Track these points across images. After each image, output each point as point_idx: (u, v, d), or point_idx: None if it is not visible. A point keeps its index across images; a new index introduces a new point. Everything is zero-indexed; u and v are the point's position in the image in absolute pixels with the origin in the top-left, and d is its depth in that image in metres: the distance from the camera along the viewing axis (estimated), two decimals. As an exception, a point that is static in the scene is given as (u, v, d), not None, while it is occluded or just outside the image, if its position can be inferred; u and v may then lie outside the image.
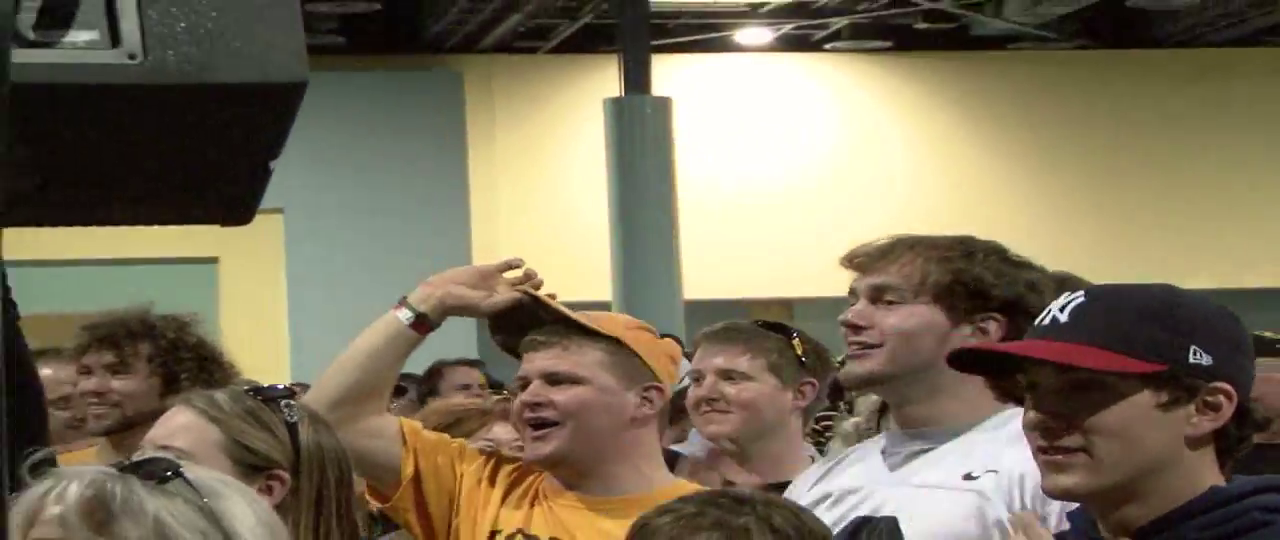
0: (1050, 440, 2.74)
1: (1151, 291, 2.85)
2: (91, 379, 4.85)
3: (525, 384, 3.89)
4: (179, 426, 3.21)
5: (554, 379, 3.84)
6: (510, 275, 3.96)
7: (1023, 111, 20.76)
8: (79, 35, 1.90)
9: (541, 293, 3.95)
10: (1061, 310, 2.77)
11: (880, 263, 3.62)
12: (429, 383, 8.80)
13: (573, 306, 3.92)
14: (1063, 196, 20.81)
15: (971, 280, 3.57)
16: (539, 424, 3.84)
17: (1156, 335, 2.72)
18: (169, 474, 2.51)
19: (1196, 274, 20.79)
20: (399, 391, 7.72)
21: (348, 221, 18.83)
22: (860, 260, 3.66)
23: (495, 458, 4.05)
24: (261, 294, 18.83)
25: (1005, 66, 20.85)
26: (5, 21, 1.83)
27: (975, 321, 3.56)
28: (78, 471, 2.54)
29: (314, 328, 17.80)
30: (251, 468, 3.11)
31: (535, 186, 19.72)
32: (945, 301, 3.56)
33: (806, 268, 19.34)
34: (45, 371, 6.09)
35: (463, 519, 3.92)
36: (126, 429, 4.71)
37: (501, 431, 4.47)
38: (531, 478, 3.97)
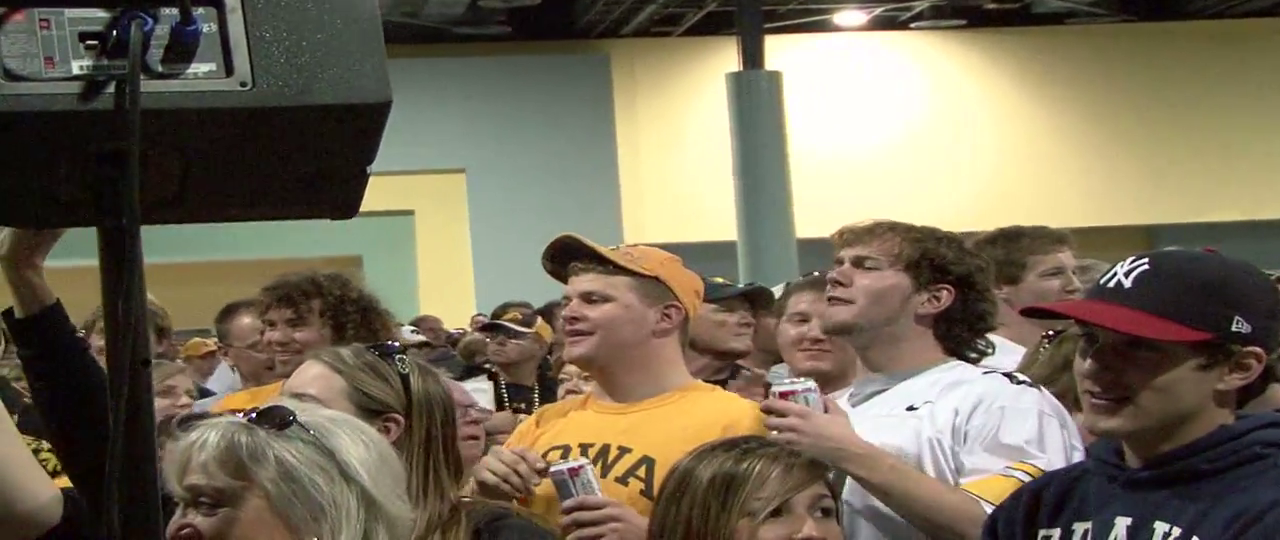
0: (1102, 388, 2.69)
1: (1207, 263, 2.76)
2: (275, 331, 4.85)
3: (569, 301, 3.99)
4: (310, 377, 3.20)
5: (589, 297, 3.92)
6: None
7: (1077, 77, 20.50)
8: (199, 67, 1.87)
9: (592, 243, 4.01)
10: (1126, 275, 2.70)
11: (865, 237, 3.75)
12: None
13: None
14: (1111, 148, 20.56)
15: (936, 256, 3.71)
16: (575, 333, 3.93)
17: (1207, 305, 2.65)
18: (289, 420, 2.54)
19: (1226, 208, 20.52)
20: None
21: (519, 179, 18.90)
22: (849, 235, 3.79)
23: (541, 413, 4.16)
24: (449, 240, 18.93)
25: (1062, 39, 20.59)
26: (134, 59, 1.83)
27: (931, 290, 3.70)
28: (215, 423, 2.56)
29: (493, 268, 17.90)
30: (370, 412, 3.09)
31: (671, 148, 19.69)
32: (912, 271, 3.70)
33: (901, 212, 19.23)
34: (243, 320, 6.17)
35: None
36: None
37: None
38: (575, 404, 4.07)
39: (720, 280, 5.63)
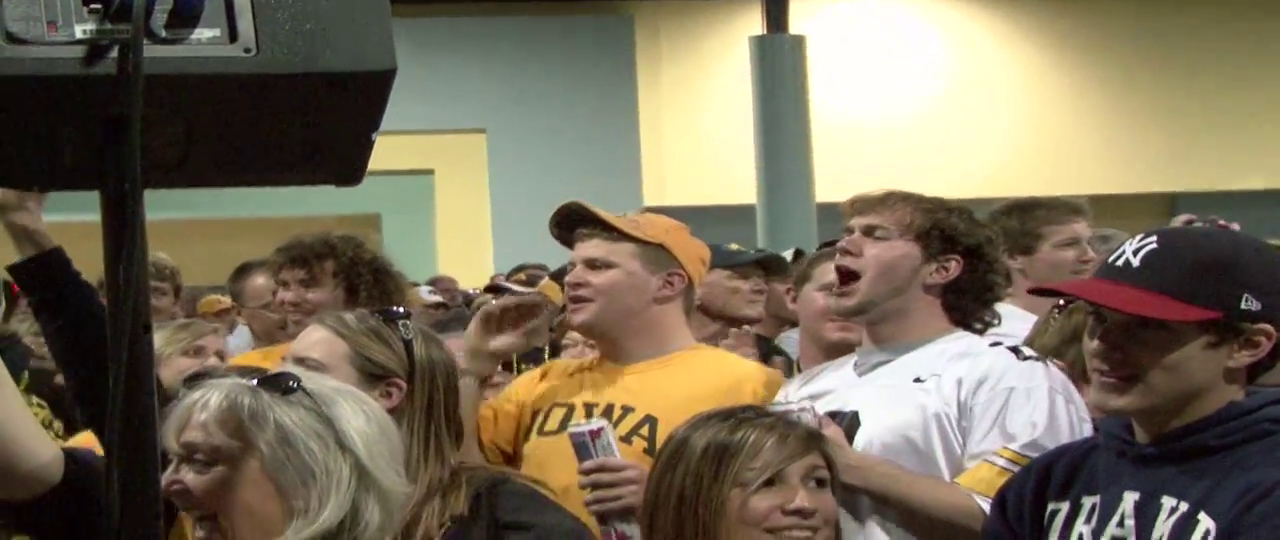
0: (1112, 366, 2.69)
1: (1215, 240, 2.76)
2: (289, 291, 4.86)
3: (574, 267, 4.02)
4: (315, 341, 3.22)
5: (593, 264, 3.95)
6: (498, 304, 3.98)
7: (1101, 44, 20.40)
8: (203, 32, 1.87)
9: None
10: (1135, 253, 2.70)
11: (877, 206, 3.75)
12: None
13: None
14: (1134, 116, 20.47)
15: (947, 227, 3.71)
16: (577, 299, 3.96)
17: (1216, 284, 2.65)
18: (293, 386, 2.55)
19: (1250, 176, 20.44)
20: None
21: (539, 140, 18.85)
22: (859, 204, 3.78)
23: (548, 367, 4.20)
24: (469, 200, 18.91)
25: (1086, 5, 20.46)
26: (138, 23, 1.82)
27: (940, 260, 3.70)
28: (220, 384, 2.58)
29: (512, 229, 17.90)
30: (373, 376, 3.10)
31: (693, 111, 19.64)
32: (923, 241, 3.70)
33: (919, 176, 19.23)
34: (257, 280, 6.17)
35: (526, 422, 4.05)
36: None
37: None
38: (582, 363, 4.10)
39: (734, 247, 5.65)
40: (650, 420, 3.81)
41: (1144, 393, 2.67)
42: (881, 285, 3.67)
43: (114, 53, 1.83)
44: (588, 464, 3.61)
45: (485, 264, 16.98)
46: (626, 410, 3.85)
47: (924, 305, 3.69)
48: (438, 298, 9.93)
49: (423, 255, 17.61)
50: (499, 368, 4.40)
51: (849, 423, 3.60)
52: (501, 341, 3.91)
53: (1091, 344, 2.73)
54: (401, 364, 3.15)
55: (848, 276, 3.72)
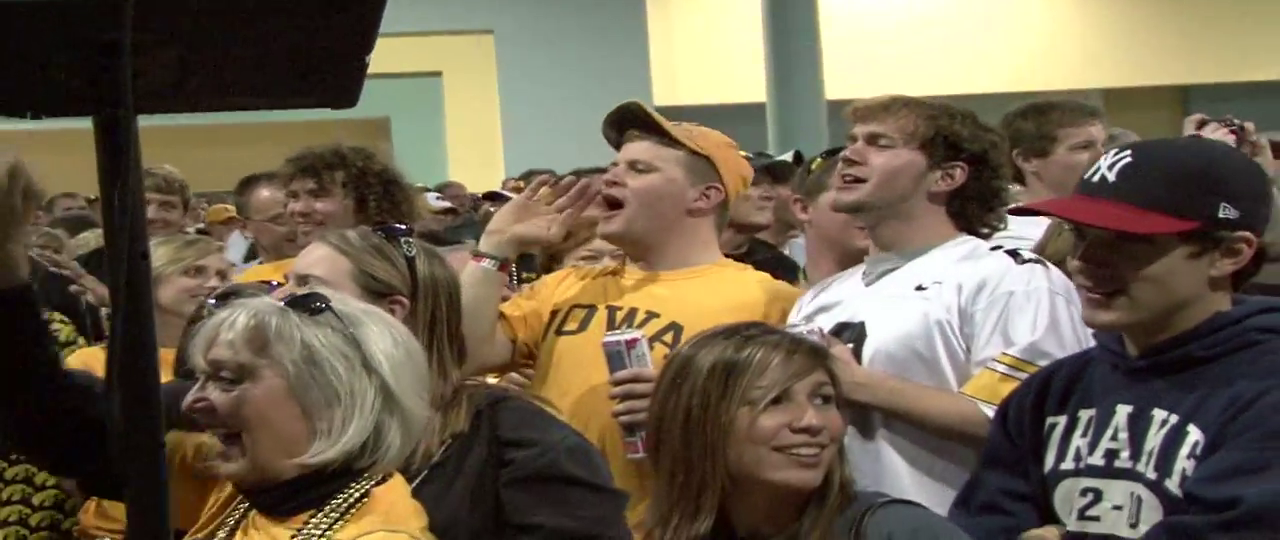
0: (1095, 282, 2.71)
1: (1189, 151, 2.79)
2: (298, 202, 4.85)
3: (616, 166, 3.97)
4: (317, 258, 3.20)
5: (635, 165, 3.91)
6: (542, 193, 3.94)
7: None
8: (194, -45, 1.86)
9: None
10: (1110, 168, 2.71)
11: (880, 114, 3.71)
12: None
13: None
14: (1144, 7, 20.36)
15: (951, 134, 3.67)
16: (612, 202, 3.91)
17: (1192, 194, 2.66)
18: (321, 307, 2.55)
19: (1262, 67, 20.35)
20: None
21: (548, 41, 18.76)
22: (862, 111, 3.73)
23: (571, 269, 4.15)
24: (478, 103, 18.86)
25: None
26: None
27: (945, 168, 3.67)
28: (248, 303, 2.59)
29: (522, 130, 17.86)
30: (376, 294, 3.09)
31: (701, 9, 19.55)
32: (927, 149, 3.67)
33: (929, 73, 19.16)
34: (263, 192, 6.16)
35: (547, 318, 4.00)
36: None
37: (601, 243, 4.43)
38: (608, 268, 4.05)
39: (742, 154, 5.64)
40: (675, 327, 3.79)
41: (1130, 306, 2.69)
42: (886, 192, 3.65)
43: (104, -22, 1.82)
44: (621, 374, 3.60)
45: (496, 166, 16.97)
46: (650, 315, 3.84)
47: (929, 212, 3.67)
48: (447, 204, 9.93)
49: (433, 159, 17.59)
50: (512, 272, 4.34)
51: (856, 334, 3.60)
52: (529, 226, 3.88)
53: (1074, 262, 2.75)
54: (404, 281, 3.14)
55: (853, 182, 3.70)
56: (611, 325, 3.86)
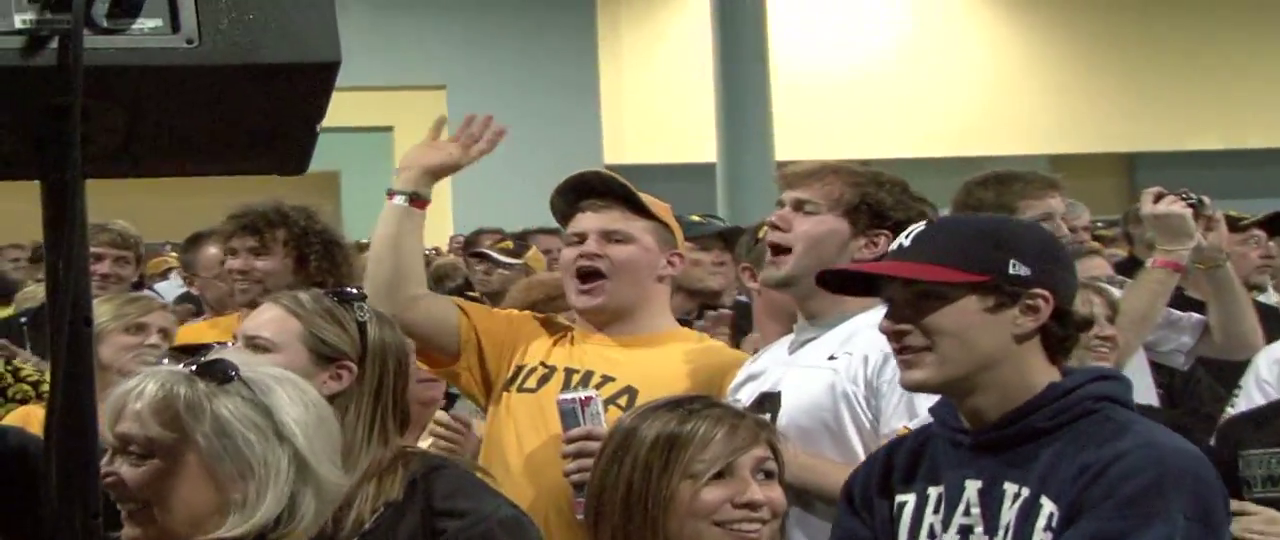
0: (901, 342, 2.80)
1: (981, 217, 3.08)
2: (237, 259, 4.81)
3: (582, 239, 3.91)
4: (267, 320, 3.18)
5: (610, 236, 3.89)
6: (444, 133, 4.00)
7: (1061, 1, 20.47)
8: (145, 23, 1.86)
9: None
10: (907, 237, 2.84)
11: (807, 180, 3.71)
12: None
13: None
14: (1093, 74, 20.52)
15: (876, 202, 3.67)
16: (591, 274, 3.88)
17: (982, 251, 2.78)
18: (230, 374, 2.49)
19: (1208, 136, 20.52)
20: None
21: (500, 95, 18.75)
22: (790, 177, 3.75)
23: (544, 316, 4.11)
24: (429, 157, 18.78)
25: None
26: (78, 15, 1.80)
27: (869, 235, 3.66)
28: (155, 372, 2.51)
29: (472, 186, 17.83)
30: (324, 357, 3.08)
31: (654, 68, 19.60)
32: (851, 216, 3.67)
33: (878, 136, 19.24)
34: (210, 250, 6.13)
35: (510, 363, 3.97)
36: None
37: None
38: (568, 330, 4.02)
39: (696, 218, 5.65)
40: (630, 391, 3.78)
41: (938, 363, 2.76)
42: (810, 260, 3.61)
43: (54, 43, 1.82)
44: (574, 431, 3.57)
45: (445, 222, 16.93)
46: (607, 379, 3.82)
47: None
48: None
49: (381, 212, 17.51)
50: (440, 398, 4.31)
51: (772, 404, 3.58)
52: (438, 154, 3.92)
53: (882, 324, 2.84)
54: (354, 346, 3.11)
55: (778, 250, 3.69)
56: (567, 385, 3.84)
